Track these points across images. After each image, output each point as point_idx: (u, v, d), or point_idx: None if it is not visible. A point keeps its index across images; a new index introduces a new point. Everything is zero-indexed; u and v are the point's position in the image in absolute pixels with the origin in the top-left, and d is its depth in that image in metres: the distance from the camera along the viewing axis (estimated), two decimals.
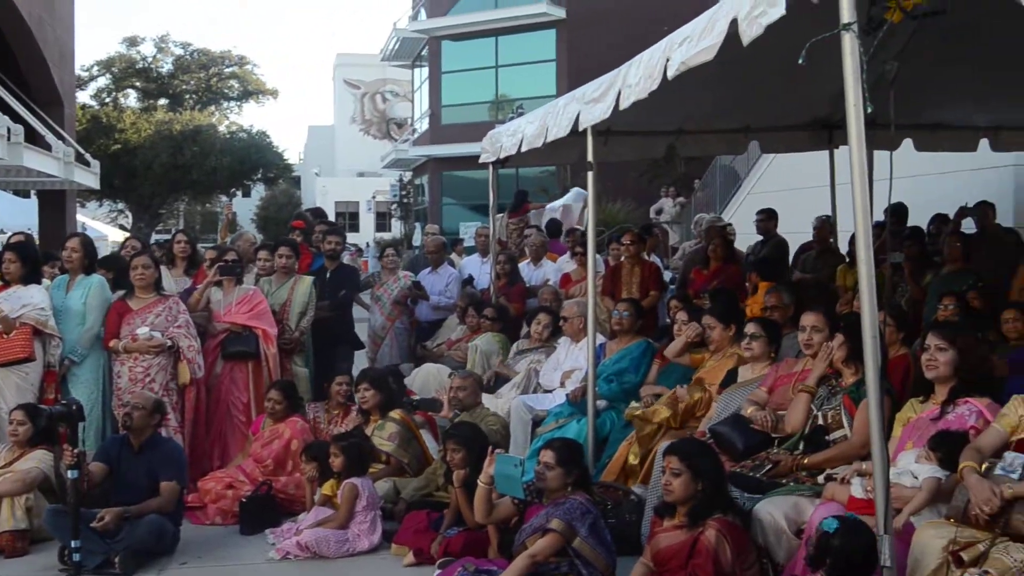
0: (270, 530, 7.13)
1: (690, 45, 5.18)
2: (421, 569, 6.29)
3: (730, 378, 6.76)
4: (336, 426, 8.17)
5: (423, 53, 39.56)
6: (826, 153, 10.15)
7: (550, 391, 8.34)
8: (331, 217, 12.83)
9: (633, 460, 6.82)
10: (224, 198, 51.25)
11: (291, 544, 6.66)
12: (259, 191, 56.34)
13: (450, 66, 37.11)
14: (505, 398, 8.38)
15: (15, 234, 10.31)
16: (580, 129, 6.99)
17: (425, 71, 39.58)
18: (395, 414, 7.72)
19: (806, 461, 5.57)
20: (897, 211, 10.21)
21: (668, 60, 5.44)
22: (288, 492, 7.62)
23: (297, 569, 6.50)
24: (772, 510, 5.21)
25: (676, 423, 6.71)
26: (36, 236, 18.05)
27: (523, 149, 8.52)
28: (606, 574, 5.43)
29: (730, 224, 11.85)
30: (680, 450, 5.19)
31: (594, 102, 6.69)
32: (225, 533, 7.28)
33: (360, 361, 10.54)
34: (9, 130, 16.88)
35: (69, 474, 6.34)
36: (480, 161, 10.19)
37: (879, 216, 7.26)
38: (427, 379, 9.41)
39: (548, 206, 18.52)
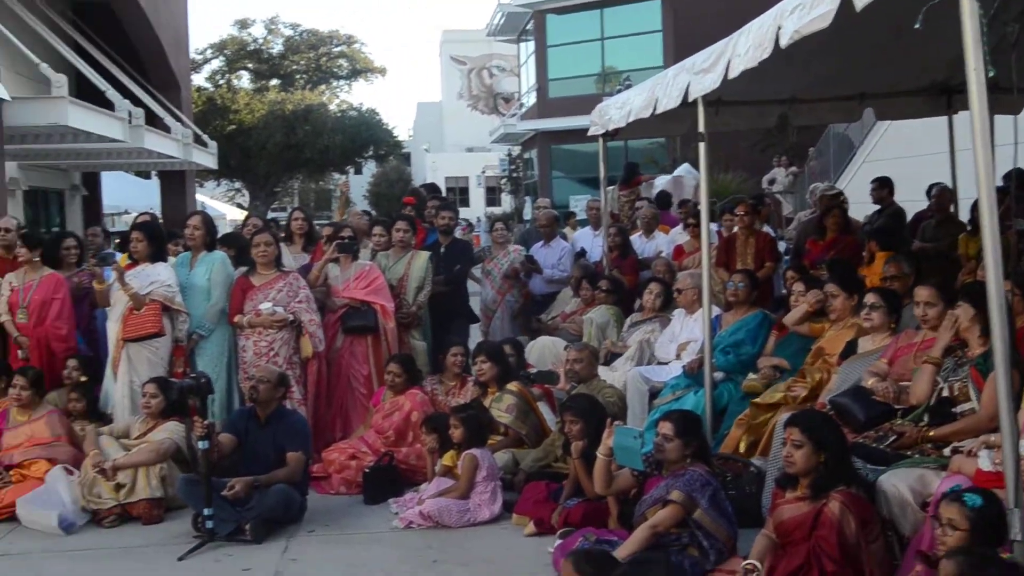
0: (393, 500, 7.31)
1: (803, 13, 5.10)
2: (542, 539, 6.37)
3: (850, 349, 6.67)
4: (453, 398, 8.30)
5: (528, 27, 39.49)
6: (942, 119, 9.89)
7: (665, 363, 8.33)
8: (442, 193, 12.92)
9: (743, 448, 6.78)
10: (337, 175, 52.09)
11: (414, 513, 6.81)
12: (370, 168, 57.08)
13: (556, 39, 36.97)
14: (620, 371, 8.40)
15: (141, 214, 10.64)
16: (690, 100, 6.94)
17: (531, 45, 39.51)
18: (512, 386, 7.81)
19: (932, 433, 5.47)
20: (1021, 176, 9.90)
21: (780, 28, 5.36)
22: (409, 462, 7.78)
23: (421, 538, 6.63)
24: (897, 482, 5.14)
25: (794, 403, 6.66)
26: (158, 215, 18.54)
27: (631, 120, 8.49)
28: (728, 545, 5.44)
29: (842, 193, 11.62)
30: (801, 421, 5.16)
31: (704, 72, 6.62)
32: (349, 502, 7.49)
33: (475, 335, 10.66)
34: (130, 114, 17.40)
35: (200, 445, 6.58)
36: (589, 134, 10.18)
37: (1001, 182, 7.05)
38: (543, 352, 9.48)
39: (658, 179, 18.43)
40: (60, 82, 14.82)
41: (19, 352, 8.58)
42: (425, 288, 9.33)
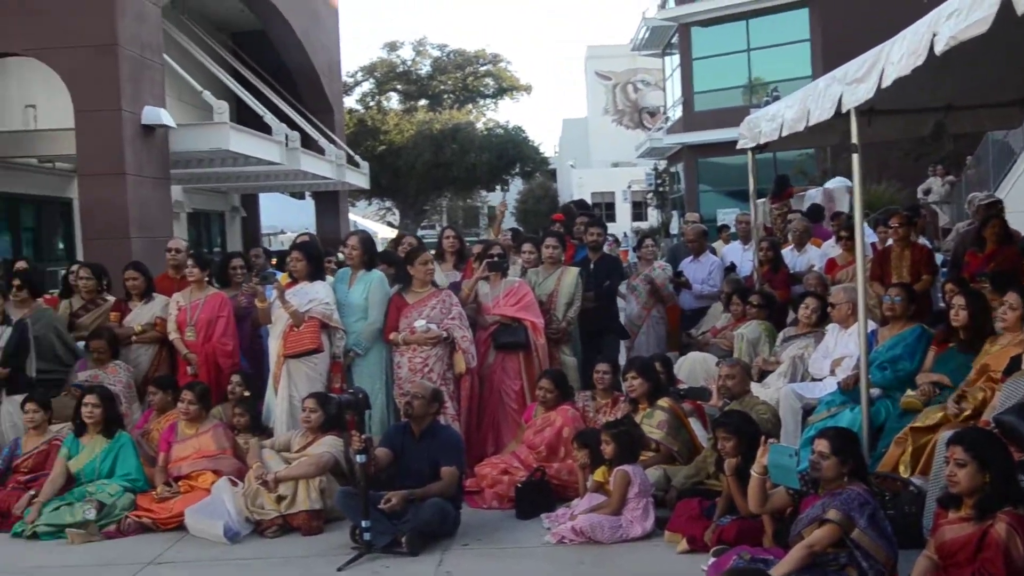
0: (545, 515, 7.35)
1: (959, 18, 4.97)
2: (695, 556, 6.32)
3: (1014, 365, 6.44)
4: (604, 414, 8.30)
5: (673, 40, 39.30)
6: None
7: (819, 379, 8.18)
8: (591, 209, 12.99)
9: (904, 471, 6.59)
10: (485, 193, 52.65)
11: (566, 529, 6.84)
12: (517, 185, 57.56)
13: (701, 52, 36.68)
14: (773, 387, 8.29)
15: (301, 234, 11.00)
16: (843, 111, 6.82)
17: (676, 59, 39.29)
18: (663, 402, 7.78)
19: None
20: None
21: (935, 35, 5.24)
22: (561, 478, 7.82)
23: (573, 553, 6.65)
24: None
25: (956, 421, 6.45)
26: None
27: (784, 134, 8.38)
28: (887, 566, 5.31)
29: (1000, 202, 11.22)
30: (965, 439, 5.00)
31: (857, 82, 6.50)
32: (502, 517, 7.54)
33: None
34: (287, 137, 18.01)
35: (358, 458, 6.73)
36: (738, 147, 10.09)
37: None
38: (693, 367, 9.43)
39: (809, 191, 18.10)
40: (222, 108, 15.45)
41: (188, 368, 8.97)
42: (575, 304, 9.37)
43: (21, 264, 10.00)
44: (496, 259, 9.05)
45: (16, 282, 9.09)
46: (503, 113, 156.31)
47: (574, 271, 9.50)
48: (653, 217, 49.35)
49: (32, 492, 7.88)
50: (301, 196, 30.68)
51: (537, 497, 7.53)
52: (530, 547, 6.85)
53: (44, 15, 13.33)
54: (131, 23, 13.78)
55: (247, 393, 8.64)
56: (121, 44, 13.41)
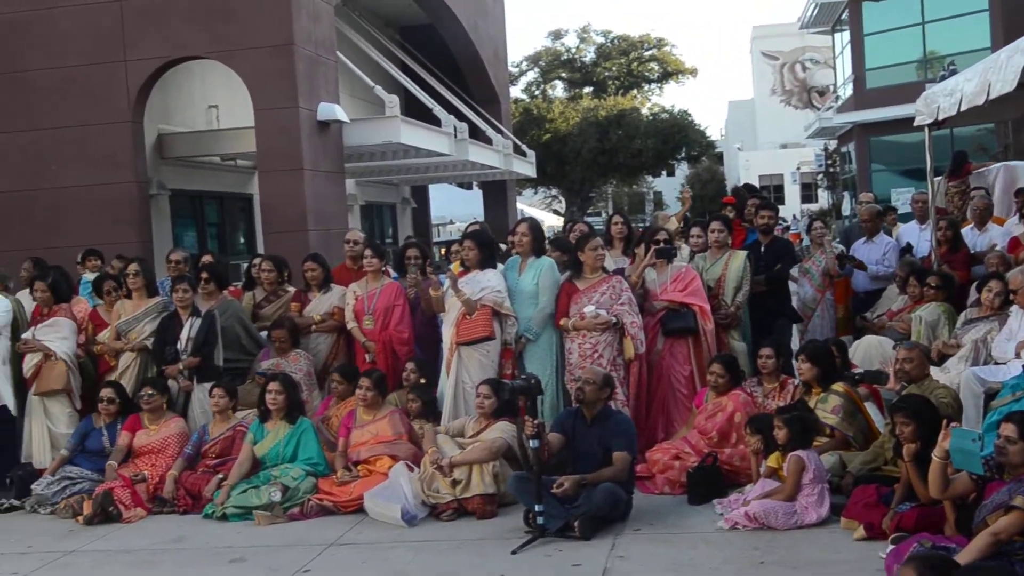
0: (717, 500, 7.32)
1: None
2: (872, 543, 6.19)
3: None
4: (773, 399, 8.20)
5: (843, 16, 38.16)
6: None
7: (1003, 363, 7.88)
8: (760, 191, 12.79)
9: None
10: (651, 178, 52.31)
11: (739, 515, 6.79)
12: (683, 169, 57.01)
13: (873, 27, 35.48)
14: (954, 371, 8.02)
15: (472, 223, 11.16)
16: None
17: (846, 35, 38.13)
18: (838, 387, 7.64)
19: None
20: None
21: None
22: (733, 463, 7.77)
23: (746, 539, 6.60)
24: None
25: None
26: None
27: (963, 108, 8.09)
28: None
29: None
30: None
31: None
32: (673, 502, 7.55)
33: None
34: (455, 128, 18.28)
35: (530, 443, 6.83)
36: (915, 124, 9.78)
37: None
38: (868, 351, 9.20)
39: (990, 167, 17.38)
40: (392, 102, 15.80)
41: (366, 356, 9.24)
42: (743, 288, 9.27)
43: (207, 258, 10.45)
44: (663, 245, 9.02)
45: (204, 275, 9.54)
46: (668, 97, 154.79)
47: (742, 255, 9.39)
48: (823, 199, 48.16)
49: (220, 475, 8.30)
50: (469, 186, 31.11)
51: (709, 483, 7.50)
52: (703, 532, 6.82)
53: (225, 19, 13.89)
54: (306, 23, 14.23)
55: (422, 380, 8.85)
56: (297, 43, 13.86)
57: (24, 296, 10.01)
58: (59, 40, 14.26)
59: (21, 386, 9.43)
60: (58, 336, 9.32)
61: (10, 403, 9.35)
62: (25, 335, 9.39)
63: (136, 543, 7.58)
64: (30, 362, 9.29)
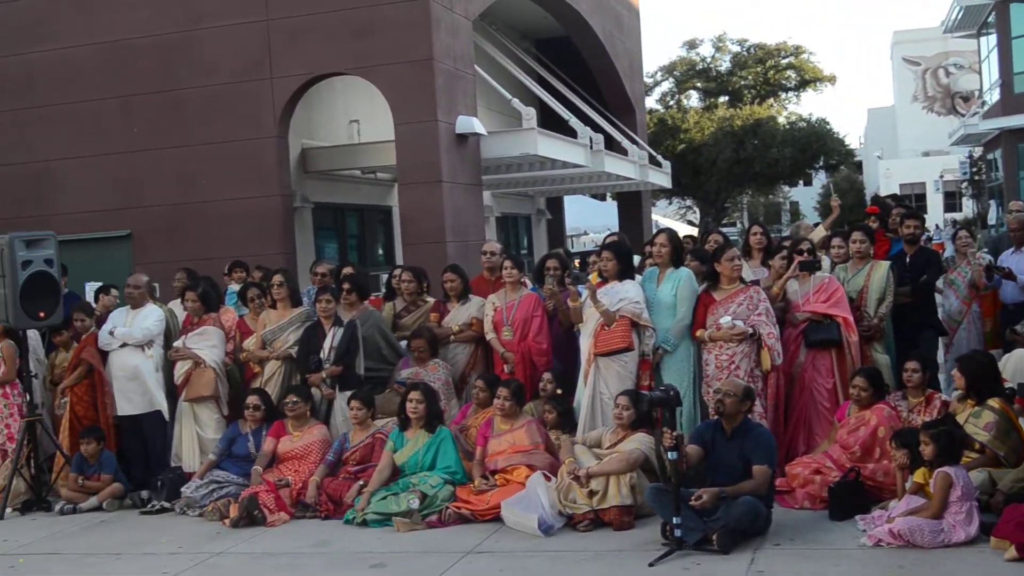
0: (859, 516, 7.16)
1: None
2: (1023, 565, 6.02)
3: None
4: (919, 414, 7.99)
5: (989, 19, 36.98)
6: None
7: None
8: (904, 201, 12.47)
9: None
10: (787, 188, 51.41)
11: (883, 531, 6.63)
12: (820, 179, 55.94)
13: (1021, 29, 34.29)
14: None
15: (610, 234, 11.15)
16: None
17: (992, 38, 36.94)
18: (994, 402, 7.38)
19: None
20: None
21: None
22: (877, 479, 7.59)
23: (891, 557, 6.44)
24: None
25: None
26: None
27: None
28: None
29: None
30: None
31: None
32: (814, 517, 7.41)
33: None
34: (591, 139, 18.32)
35: (669, 455, 6.79)
36: None
37: None
38: (1019, 365, 8.89)
39: None
40: (529, 115, 15.93)
41: (504, 367, 9.32)
42: (887, 299, 9.07)
43: (348, 270, 10.69)
44: (809, 260, 8.89)
45: (346, 286, 9.77)
46: (806, 105, 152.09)
47: (884, 266, 9.19)
48: (968, 207, 46.67)
49: (361, 482, 8.47)
50: (602, 197, 31.10)
51: (851, 498, 7.34)
52: (845, 549, 6.69)
53: (366, 36, 14.21)
54: (445, 38, 14.46)
55: (559, 390, 8.89)
56: (436, 58, 14.09)
57: (176, 306, 10.42)
58: (209, 60, 14.80)
59: (172, 392, 9.83)
60: (207, 344, 9.68)
61: (163, 409, 9.74)
62: (176, 343, 9.79)
63: (280, 546, 7.80)
64: (180, 369, 9.68)
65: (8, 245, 9.32)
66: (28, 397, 9.68)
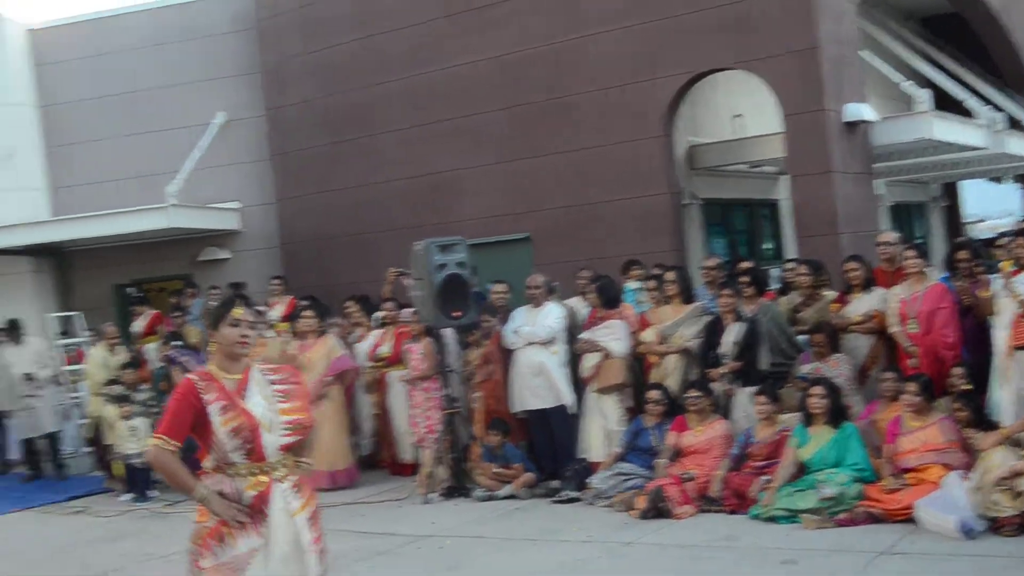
0: None
1: None
2: None
3: None
4: None
5: None
6: None
7: None
8: None
9: None
10: None
11: None
12: None
13: None
14: None
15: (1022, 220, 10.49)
16: None
17: None
18: None
19: None
20: None
21: None
22: None
23: None
24: None
25: None
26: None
27: None
28: None
29: None
30: None
31: None
32: None
33: None
34: (992, 119, 17.24)
35: None
36: None
37: None
38: None
39: None
40: (922, 98, 15.25)
41: (909, 361, 8.98)
42: None
43: (746, 263, 10.70)
44: None
45: (745, 280, 9.77)
46: None
47: None
48: None
49: (766, 477, 8.45)
50: (998, 180, 29.13)
51: None
52: None
53: (748, 30, 14.09)
54: (829, 24, 14.07)
55: (969, 387, 8.45)
56: (821, 46, 13.74)
57: (576, 303, 10.84)
58: (596, 64, 15.21)
59: (576, 386, 10.21)
60: (613, 337, 9.97)
61: (569, 402, 10.16)
62: (583, 335, 10.15)
63: (687, 539, 7.94)
64: (589, 362, 10.02)
65: (425, 250, 10.08)
66: (447, 391, 10.41)
